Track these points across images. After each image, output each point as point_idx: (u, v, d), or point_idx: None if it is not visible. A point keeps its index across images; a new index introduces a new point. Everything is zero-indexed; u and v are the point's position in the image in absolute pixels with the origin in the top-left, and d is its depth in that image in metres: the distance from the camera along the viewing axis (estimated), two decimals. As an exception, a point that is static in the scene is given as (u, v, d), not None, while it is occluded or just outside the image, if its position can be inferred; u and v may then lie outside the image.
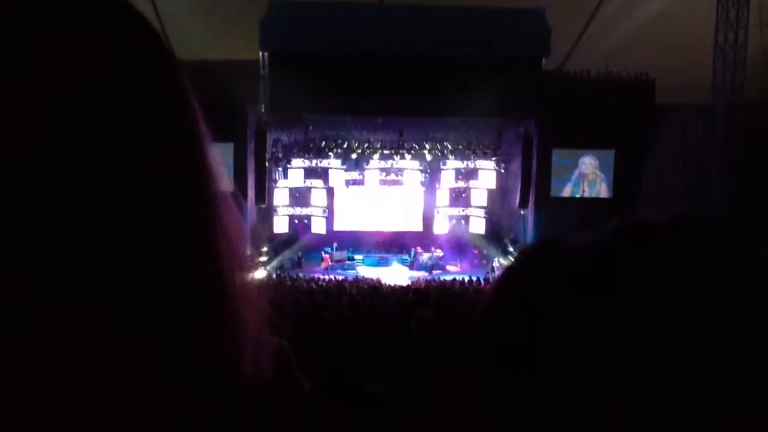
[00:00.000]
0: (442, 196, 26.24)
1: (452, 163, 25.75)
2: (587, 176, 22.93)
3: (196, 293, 0.56)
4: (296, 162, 24.82)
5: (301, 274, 20.84)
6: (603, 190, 22.99)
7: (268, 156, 23.15)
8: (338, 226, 25.84)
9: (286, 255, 23.66)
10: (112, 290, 0.52)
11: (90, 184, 0.51)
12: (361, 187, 25.77)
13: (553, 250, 0.69)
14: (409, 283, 19.26)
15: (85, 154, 0.51)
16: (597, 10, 22.05)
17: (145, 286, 0.53)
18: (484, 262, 24.55)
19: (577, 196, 23.01)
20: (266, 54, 20.95)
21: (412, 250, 24.76)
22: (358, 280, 19.40)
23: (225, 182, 0.62)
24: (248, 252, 0.66)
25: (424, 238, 25.72)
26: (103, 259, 0.52)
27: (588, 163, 22.85)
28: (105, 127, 0.53)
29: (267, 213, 24.13)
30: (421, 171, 25.84)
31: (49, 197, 0.50)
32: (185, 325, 0.55)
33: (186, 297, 0.55)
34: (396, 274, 22.38)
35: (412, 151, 25.28)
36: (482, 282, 19.20)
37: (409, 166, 25.58)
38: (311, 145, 24.71)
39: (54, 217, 0.50)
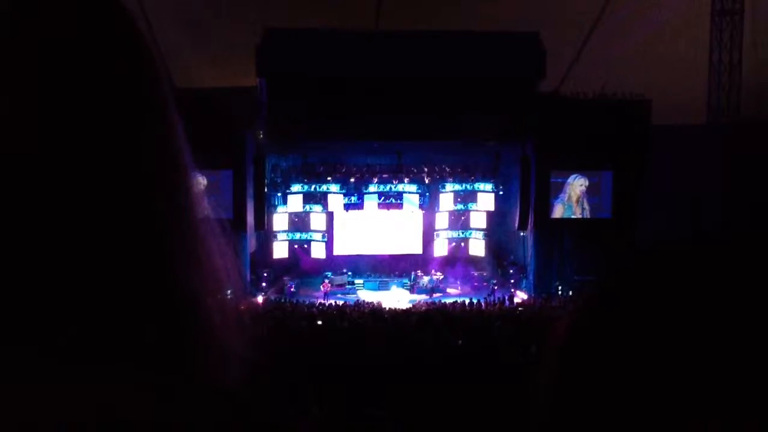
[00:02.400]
0: (441, 218, 26.24)
1: (451, 186, 25.78)
2: (576, 195, 22.90)
3: (175, 310, 0.59)
4: (295, 187, 24.83)
5: (301, 299, 20.80)
6: (588, 212, 22.93)
7: (266, 182, 23.17)
8: (338, 251, 25.79)
9: (285, 281, 23.62)
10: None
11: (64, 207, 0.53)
12: (360, 211, 25.76)
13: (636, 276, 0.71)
14: (410, 307, 19.22)
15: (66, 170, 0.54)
16: (591, 33, 22.25)
17: (131, 303, 0.56)
18: (485, 284, 24.48)
19: (573, 216, 22.95)
20: (263, 80, 21.05)
21: (412, 273, 24.69)
22: (358, 304, 19.36)
23: (207, 209, 0.65)
24: (235, 274, 0.69)
25: (424, 261, 25.68)
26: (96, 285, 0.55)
27: (577, 183, 22.82)
28: (90, 150, 0.55)
29: (266, 239, 24.10)
30: (420, 194, 25.86)
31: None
32: (165, 339, 0.58)
33: (165, 314, 0.58)
34: (396, 298, 22.32)
35: (411, 175, 25.32)
36: (483, 304, 19.14)
37: (408, 189, 25.60)
38: (310, 171, 24.74)
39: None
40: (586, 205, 22.84)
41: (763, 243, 0.66)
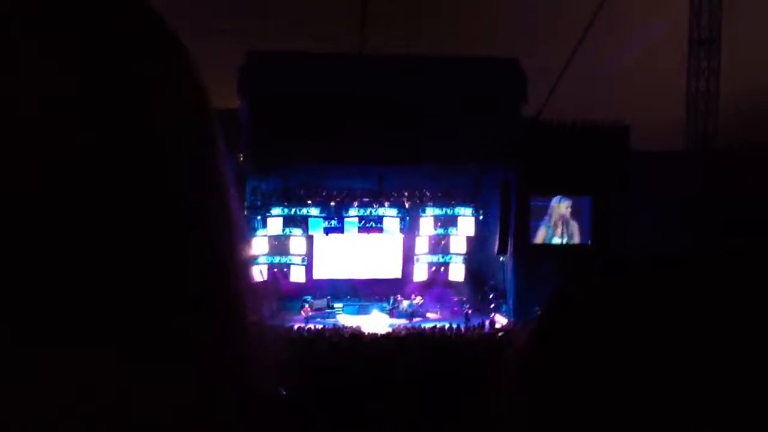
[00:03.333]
0: (422, 243, 26.28)
1: (431, 210, 25.85)
2: (561, 219, 23.02)
3: (221, 324, 0.59)
4: (275, 210, 24.80)
5: (280, 323, 20.64)
6: (576, 234, 23.03)
7: (246, 205, 23.11)
8: (318, 275, 25.71)
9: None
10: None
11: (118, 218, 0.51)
12: (340, 235, 25.73)
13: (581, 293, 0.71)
14: (390, 331, 19.16)
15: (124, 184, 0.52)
16: (571, 59, 22.52)
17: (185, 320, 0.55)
18: (465, 308, 24.47)
19: (554, 242, 23.05)
20: (245, 102, 21.08)
21: (392, 297, 24.65)
22: (338, 329, 19.26)
23: (244, 225, 0.67)
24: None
25: (404, 285, 25.65)
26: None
27: (563, 205, 22.94)
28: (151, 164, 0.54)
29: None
30: (400, 218, 25.88)
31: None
32: (210, 351, 0.57)
33: (212, 327, 0.58)
34: (376, 322, 22.25)
35: (391, 199, 25.37)
36: (462, 329, 19.14)
37: (388, 213, 25.63)
38: (290, 194, 24.72)
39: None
40: (572, 228, 22.95)
41: (726, 258, 0.67)
